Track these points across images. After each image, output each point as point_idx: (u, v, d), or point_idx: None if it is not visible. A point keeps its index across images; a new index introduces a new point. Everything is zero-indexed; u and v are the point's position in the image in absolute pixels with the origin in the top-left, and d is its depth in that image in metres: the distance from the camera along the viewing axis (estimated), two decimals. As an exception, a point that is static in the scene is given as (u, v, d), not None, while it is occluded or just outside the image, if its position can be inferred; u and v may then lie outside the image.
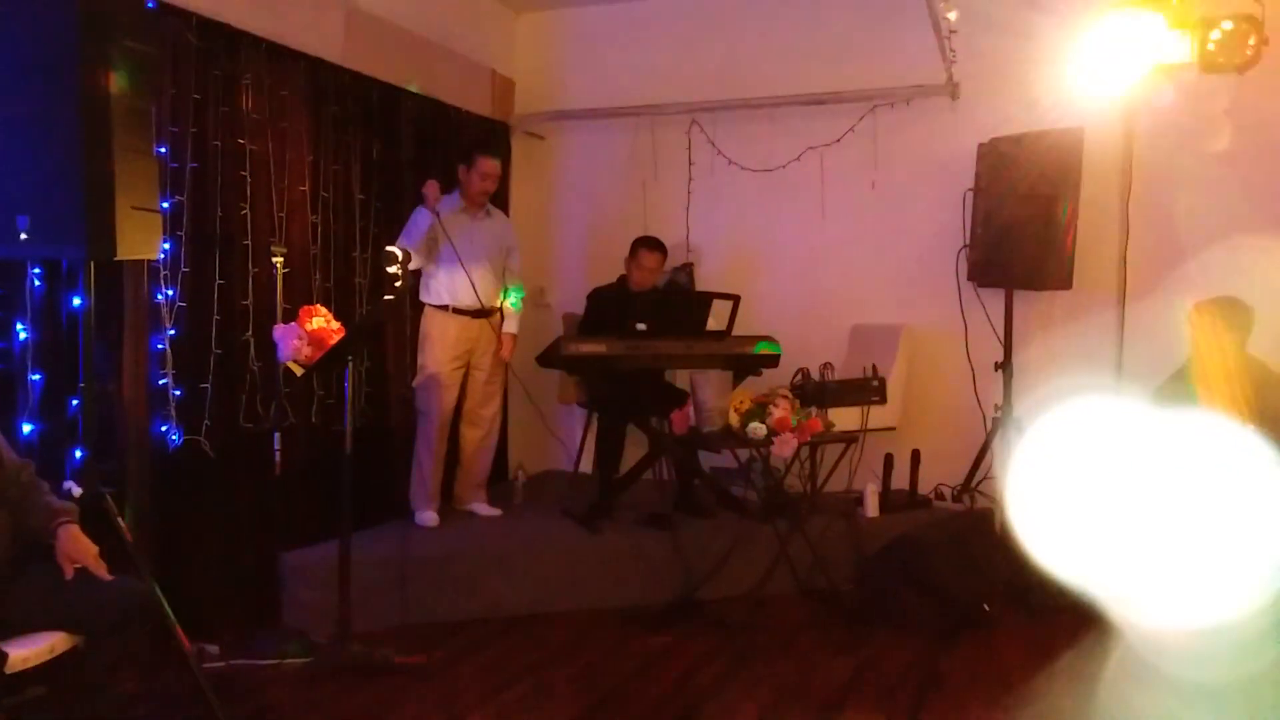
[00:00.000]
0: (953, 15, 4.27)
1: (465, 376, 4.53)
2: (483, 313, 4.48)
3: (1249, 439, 3.27)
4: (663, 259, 4.84)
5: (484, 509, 4.65)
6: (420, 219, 4.26)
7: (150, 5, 3.27)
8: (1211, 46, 4.02)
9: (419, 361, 4.48)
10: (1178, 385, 3.80)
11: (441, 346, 4.41)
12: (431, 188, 4.24)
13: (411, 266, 4.24)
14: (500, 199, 5.60)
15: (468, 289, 4.36)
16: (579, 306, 4.97)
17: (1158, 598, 3.06)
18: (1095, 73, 4.30)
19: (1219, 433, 3.25)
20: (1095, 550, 3.26)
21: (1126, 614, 3.21)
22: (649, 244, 4.79)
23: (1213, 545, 3.07)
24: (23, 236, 2.64)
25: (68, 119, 2.64)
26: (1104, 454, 3.38)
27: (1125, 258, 4.74)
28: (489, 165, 4.41)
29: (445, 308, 4.41)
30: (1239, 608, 2.93)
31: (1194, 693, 3.02)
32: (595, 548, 4.30)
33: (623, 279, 4.87)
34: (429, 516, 4.45)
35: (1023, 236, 4.48)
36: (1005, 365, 4.69)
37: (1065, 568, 3.40)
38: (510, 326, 4.62)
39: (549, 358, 4.43)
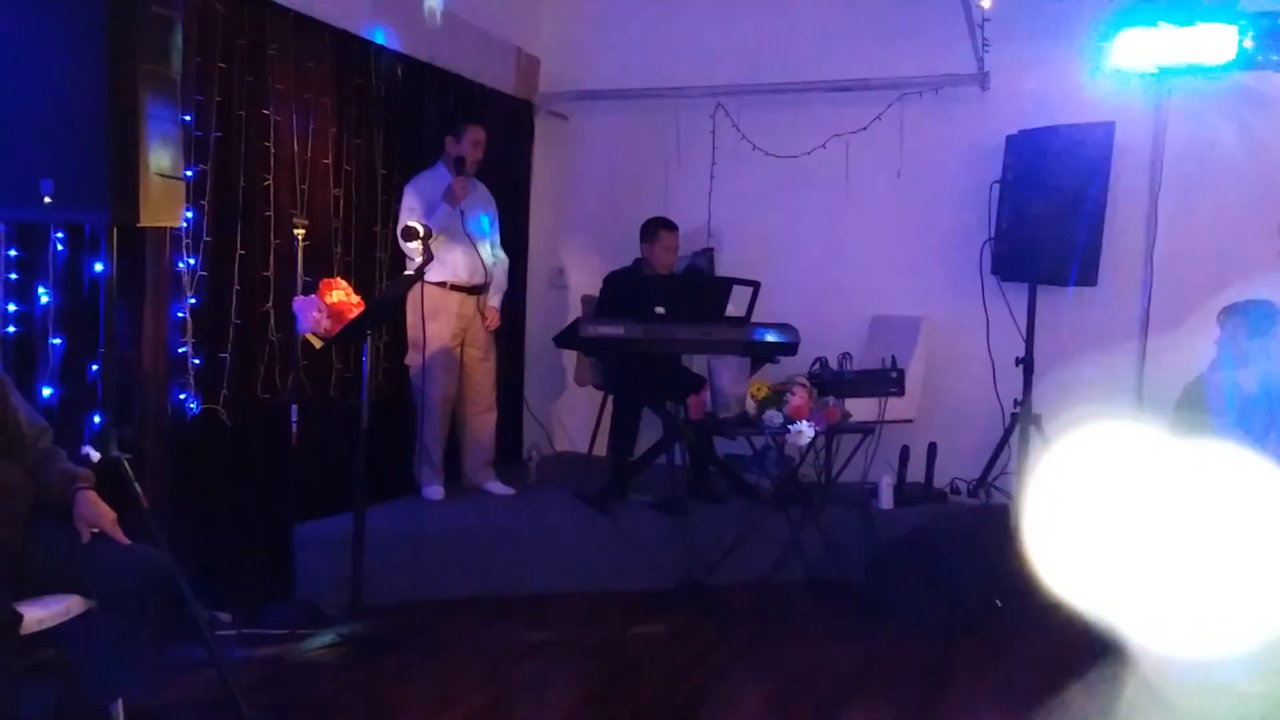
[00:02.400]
0: (986, 3, 4.21)
1: (462, 354, 4.50)
2: (478, 289, 4.47)
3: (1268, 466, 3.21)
4: (678, 237, 4.83)
5: (497, 487, 4.65)
6: (440, 210, 4.21)
7: (178, -28, 3.26)
8: (1250, 44, 3.98)
9: (413, 340, 4.39)
10: (1206, 383, 3.76)
11: (441, 323, 4.37)
12: (461, 185, 4.23)
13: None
14: (522, 178, 5.60)
15: (465, 265, 4.35)
16: (597, 288, 4.95)
17: (1171, 624, 3.02)
18: (1128, 66, 4.27)
19: (1240, 461, 3.20)
20: (1110, 572, 3.22)
21: (1139, 639, 3.17)
22: (667, 224, 4.78)
23: (1228, 573, 3.03)
24: (47, 200, 2.64)
25: (95, 84, 2.63)
26: (1125, 475, 3.34)
27: (1152, 255, 4.68)
28: (479, 132, 4.39)
29: (443, 284, 4.38)
30: (1250, 639, 2.89)
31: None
32: (606, 530, 4.30)
33: (638, 263, 4.85)
34: (435, 490, 4.46)
35: (1049, 231, 4.43)
36: (1026, 361, 4.65)
37: (1078, 588, 3.36)
38: (494, 300, 4.59)
39: (567, 339, 4.42)
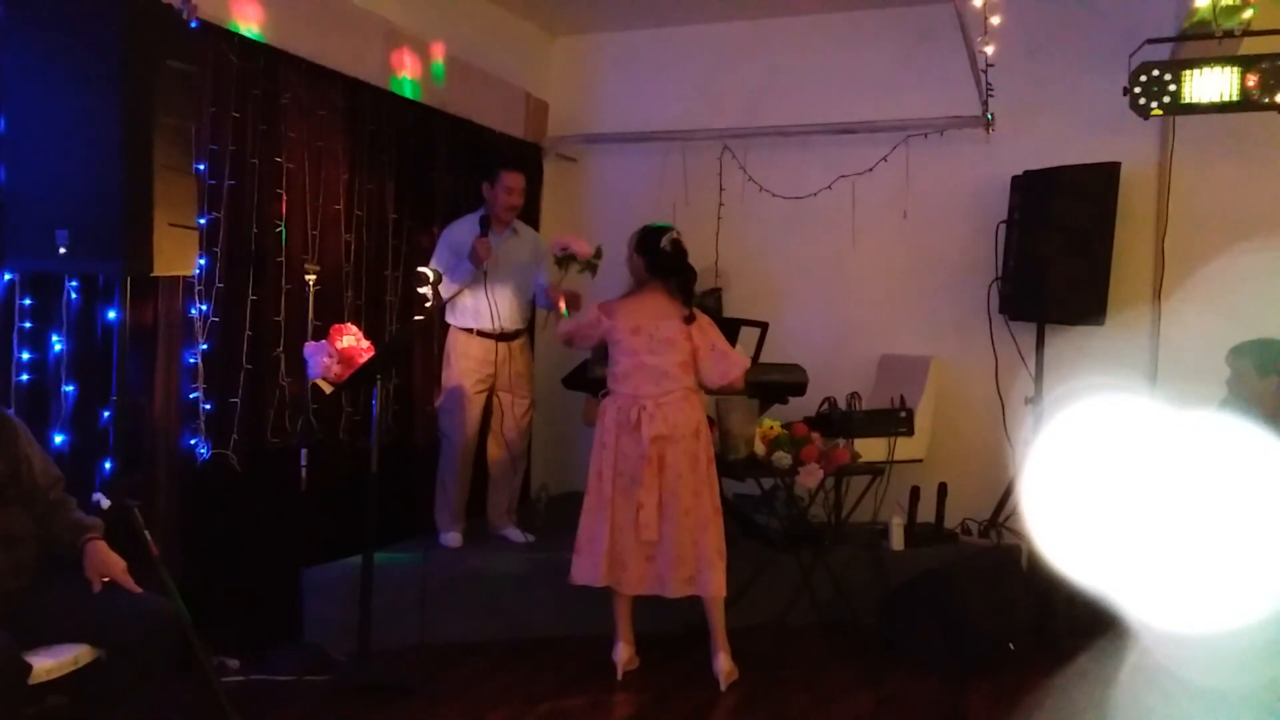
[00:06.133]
0: (990, 49, 4.25)
1: (493, 399, 4.50)
2: (506, 335, 4.46)
3: (1268, 444, 3.21)
4: None
5: (514, 534, 4.60)
6: (463, 268, 4.23)
7: (193, 25, 3.33)
8: (1252, 83, 4.01)
9: (441, 382, 4.48)
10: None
11: (464, 368, 4.40)
12: (485, 247, 4.19)
13: (446, 297, 4.30)
14: (531, 220, 5.63)
15: (482, 314, 4.33)
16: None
17: (1175, 602, 3.03)
18: (1133, 107, 4.29)
19: (1237, 437, 3.20)
20: (1112, 553, 3.22)
21: (1144, 617, 3.17)
22: None
23: (1230, 549, 3.03)
24: (61, 250, 2.69)
25: (110, 136, 2.69)
26: (1121, 455, 3.35)
27: (1160, 293, 4.68)
28: (512, 179, 4.38)
29: (470, 330, 4.40)
30: (1257, 613, 2.89)
31: (1210, 698, 3.00)
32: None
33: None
34: (453, 537, 4.44)
35: (1056, 270, 4.45)
36: (1036, 400, 4.64)
37: (1080, 572, 3.36)
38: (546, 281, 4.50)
39: (575, 380, 4.43)
